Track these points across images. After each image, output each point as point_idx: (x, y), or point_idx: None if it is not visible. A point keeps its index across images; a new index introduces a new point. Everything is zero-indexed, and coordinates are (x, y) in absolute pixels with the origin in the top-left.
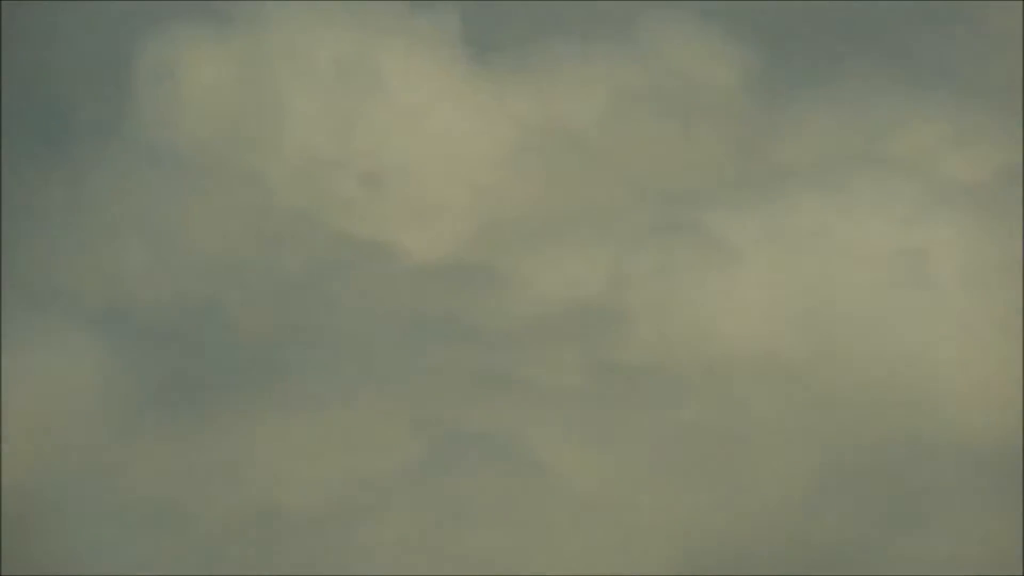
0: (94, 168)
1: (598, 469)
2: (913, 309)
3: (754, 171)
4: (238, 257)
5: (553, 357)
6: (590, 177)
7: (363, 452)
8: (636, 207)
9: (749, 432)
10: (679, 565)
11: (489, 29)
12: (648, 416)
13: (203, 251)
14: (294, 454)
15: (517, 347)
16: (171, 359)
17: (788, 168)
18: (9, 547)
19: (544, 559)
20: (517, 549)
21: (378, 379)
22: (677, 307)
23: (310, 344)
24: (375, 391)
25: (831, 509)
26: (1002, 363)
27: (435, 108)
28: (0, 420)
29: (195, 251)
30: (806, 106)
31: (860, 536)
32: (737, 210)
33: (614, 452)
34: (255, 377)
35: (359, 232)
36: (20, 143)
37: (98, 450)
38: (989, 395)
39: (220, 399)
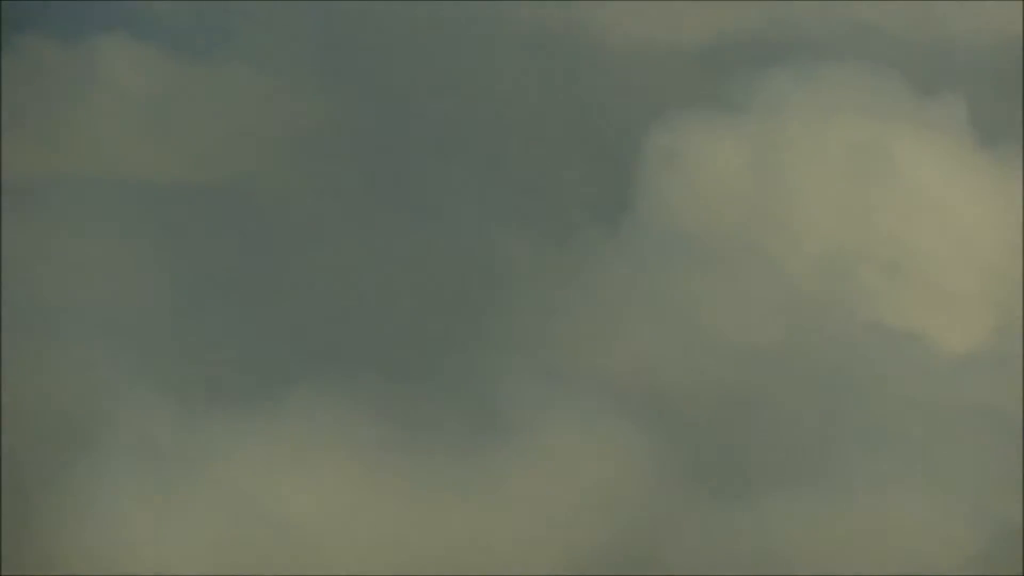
0: (605, 254)
1: None
2: None
3: None
4: (769, 344)
5: None
6: None
7: (918, 543)
8: None
9: None
10: None
11: (995, 115)
12: None
13: (732, 337)
14: (842, 542)
15: None
16: (713, 444)
17: None
18: None
19: None
20: None
21: (926, 468)
22: None
23: (852, 432)
24: (923, 480)
25: None
26: None
27: (948, 194)
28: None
29: (724, 337)
30: None
31: None
32: None
33: None
34: (799, 464)
35: (886, 320)
36: (521, 233)
37: (645, 533)
38: None
39: (764, 485)
